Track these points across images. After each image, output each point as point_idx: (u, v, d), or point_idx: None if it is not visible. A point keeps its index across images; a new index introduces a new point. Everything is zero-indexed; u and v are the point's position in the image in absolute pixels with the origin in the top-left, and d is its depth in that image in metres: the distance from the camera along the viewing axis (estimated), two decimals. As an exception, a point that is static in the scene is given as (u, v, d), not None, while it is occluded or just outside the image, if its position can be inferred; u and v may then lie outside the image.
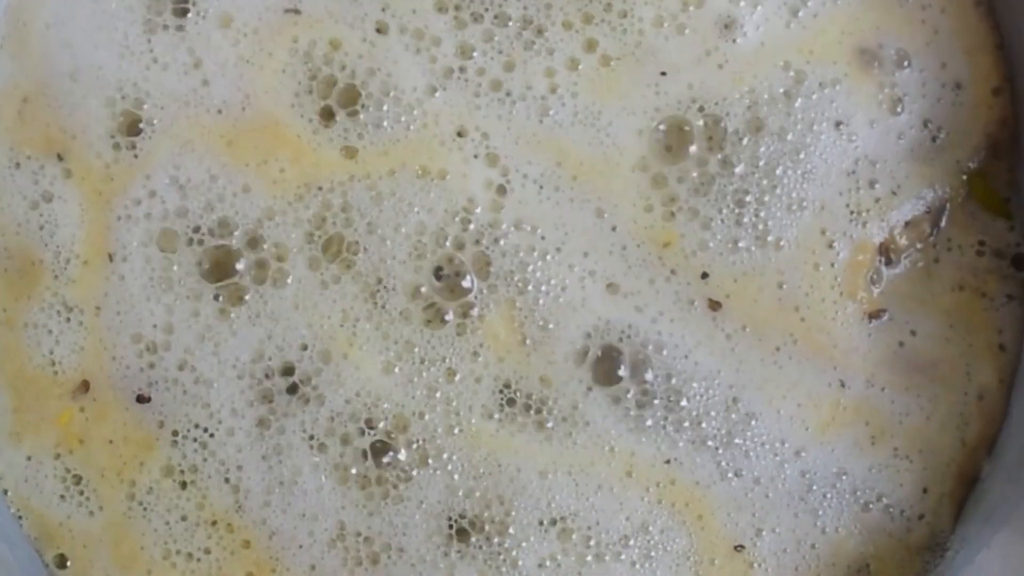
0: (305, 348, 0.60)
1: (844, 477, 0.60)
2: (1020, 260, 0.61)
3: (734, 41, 0.60)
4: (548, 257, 0.60)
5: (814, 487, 0.60)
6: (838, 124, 0.60)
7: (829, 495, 0.60)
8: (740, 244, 0.60)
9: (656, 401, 0.59)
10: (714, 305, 0.59)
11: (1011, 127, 0.61)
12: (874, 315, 0.60)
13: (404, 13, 0.61)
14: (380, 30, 0.61)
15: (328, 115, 0.60)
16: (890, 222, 0.60)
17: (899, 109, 0.60)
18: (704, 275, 0.60)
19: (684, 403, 0.59)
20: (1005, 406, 0.61)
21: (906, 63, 0.61)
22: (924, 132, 0.60)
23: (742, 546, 0.60)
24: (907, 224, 0.60)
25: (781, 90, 0.60)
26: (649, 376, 0.59)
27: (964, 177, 0.61)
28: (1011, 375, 0.61)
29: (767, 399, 0.60)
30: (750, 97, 0.60)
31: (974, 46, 0.61)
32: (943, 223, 0.60)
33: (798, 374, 0.60)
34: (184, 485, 0.60)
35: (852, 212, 0.60)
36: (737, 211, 0.60)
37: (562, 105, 0.60)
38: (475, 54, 0.60)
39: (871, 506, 0.60)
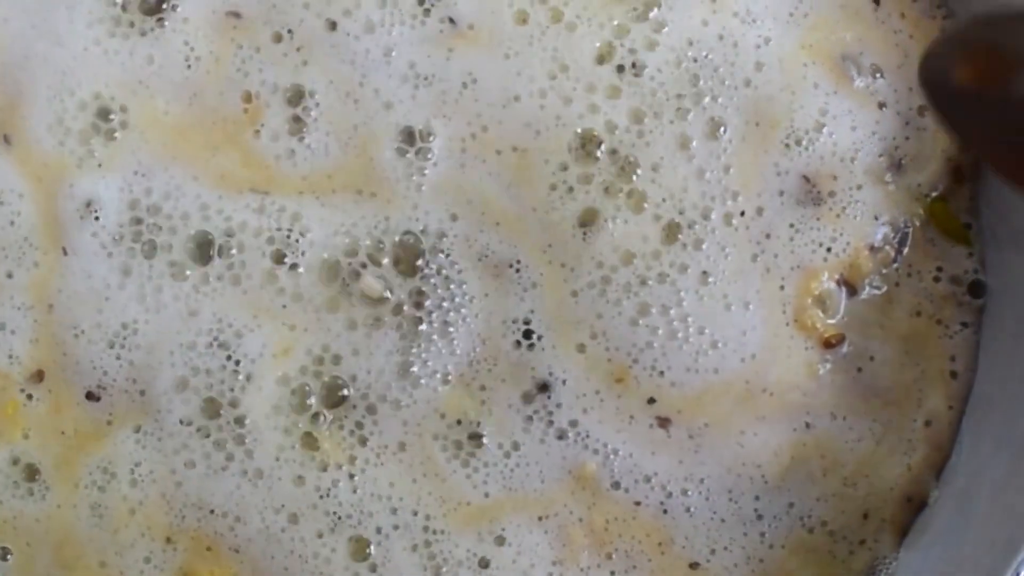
0: (262, 355, 0.60)
1: (793, 507, 0.60)
2: (976, 287, 0.61)
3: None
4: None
5: (764, 517, 0.60)
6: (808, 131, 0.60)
7: (779, 517, 0.60)
8: (719, 373, 0.59)
9: (619, 482, 0.60)
10: (663, 423, 0.59)
11: (972, 153, 0.61)
12: (832, 342, 0.60)
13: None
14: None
15: (272, 120, 0.60)
16: (853, 246, 0.60)
17: (879, 118, 0.60)
18: (651, 400, 0.59)
19: (647, 479, 0.60)
20: (954, 433, 0.61)
21: (879, 75, 0.60)
22: (893, 155, 0.60)
23: (697, 563, 0.60)
24: (872, 249, 0.60)
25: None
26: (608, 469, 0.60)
27: (927, 201, 0.60)
28: (961, 402, 0.61)
29: (727, 468, 0.60)
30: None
31: (938, 72, 0.61)
32: (906, 249, 0.60)
33: (765, 439, 0.60)
34: (133, 485, 0.60)
35: (808, 237, 0.60)
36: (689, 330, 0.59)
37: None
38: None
39: (815, 531, 0.60)
